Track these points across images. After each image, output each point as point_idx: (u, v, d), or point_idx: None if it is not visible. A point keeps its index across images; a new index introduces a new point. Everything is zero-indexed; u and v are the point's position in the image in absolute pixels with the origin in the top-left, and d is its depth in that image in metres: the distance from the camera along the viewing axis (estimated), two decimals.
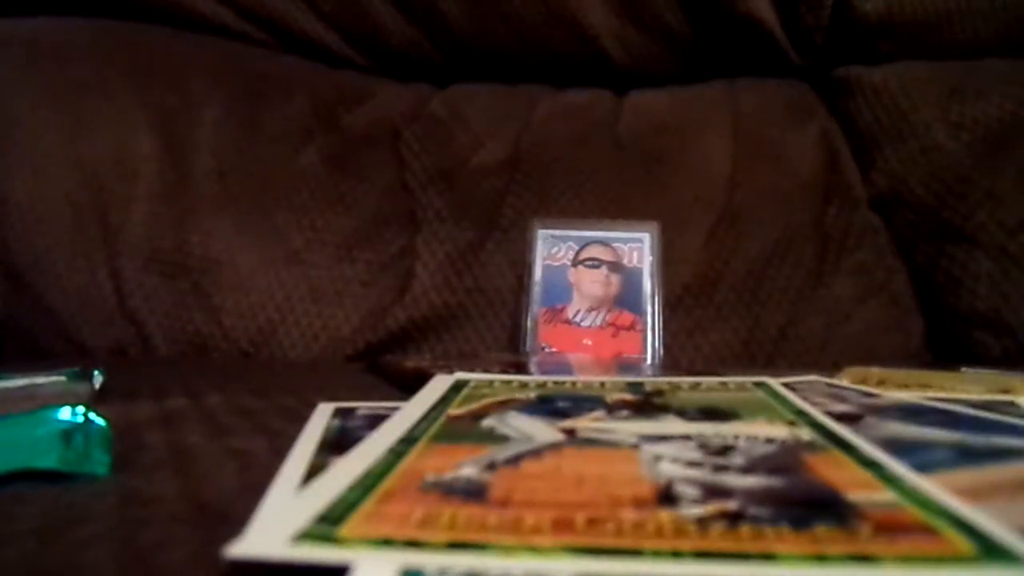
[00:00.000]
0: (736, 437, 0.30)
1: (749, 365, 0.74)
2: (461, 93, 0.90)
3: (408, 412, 0.36)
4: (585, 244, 0.72)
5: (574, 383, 0.44)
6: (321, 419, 0.37)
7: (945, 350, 0.76)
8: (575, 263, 0.71)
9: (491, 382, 0.43)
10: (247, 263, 0.76)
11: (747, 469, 0.26)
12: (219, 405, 0.45)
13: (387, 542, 0.20)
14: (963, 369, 0.58)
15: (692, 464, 0.27)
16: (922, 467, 0.26)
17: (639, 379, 0.46)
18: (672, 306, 0.74)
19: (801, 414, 0.34)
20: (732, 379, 0.44)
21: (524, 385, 0.43)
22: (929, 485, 0.23)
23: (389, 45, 0.90)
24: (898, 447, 0.28)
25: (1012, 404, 0.42)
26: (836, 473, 0.26)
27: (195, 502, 0.26)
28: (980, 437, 0.32)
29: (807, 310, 0.77)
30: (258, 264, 0.76)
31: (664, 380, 0.44)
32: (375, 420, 0.34)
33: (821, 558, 0.19)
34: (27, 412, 0.32)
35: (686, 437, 0.30)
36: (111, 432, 0.32)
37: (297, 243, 0.77)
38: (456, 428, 0.33)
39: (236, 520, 0.22)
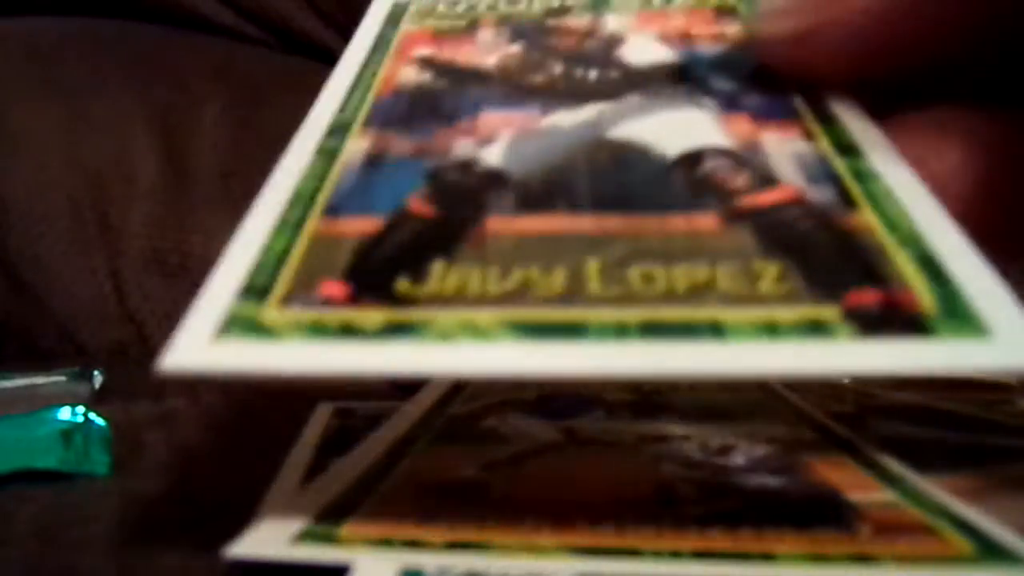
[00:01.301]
0: (736, 437, 0.30)
1: None
2: None
3: (408, 412, 0.36)
4: None
5: (573, 382, 0.44)
6: (321, 419, 0.37)
7: None
8: None
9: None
10: None
11: (747, 469, 0.26)
12: (219, 405, 0.45)
13: (387, 542, 0.20)
14: None
15: (692, 465, 0.27)
16: (922, 467, 0.26)
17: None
18: None
19: (801, 414, 0.34)
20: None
21: (523, 385, 0.43)
22: (929, 485, 0.23)
23: None
24: (898, 447, 0.28)
25: (1012, 404, 0.42)
26: (836, 473, 0.26)
27: (195, 502, 0.26)
28: (979, 437, 0.32)
29: None
30: None
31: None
32: (375, 420, 0.34)
33: (821, 558, 0.19)
34: (27, 412, 0.32)
35: (685, 437, 0.30)
36: (111, 432, 0.32)
37: None
38: (456, 428, 0.33)
39: (236, 520, 0.22)
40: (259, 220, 0.23)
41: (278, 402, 0.47)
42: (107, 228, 0.77)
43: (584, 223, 0.21)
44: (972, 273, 0.18)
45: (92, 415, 0.31)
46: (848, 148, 0.23)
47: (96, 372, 0.47)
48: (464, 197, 0.23)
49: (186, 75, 0.85)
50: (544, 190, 0.23)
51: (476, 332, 0.18)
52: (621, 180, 0.23)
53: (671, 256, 0.20)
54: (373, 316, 0.18)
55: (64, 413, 0.31)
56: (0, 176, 0.76)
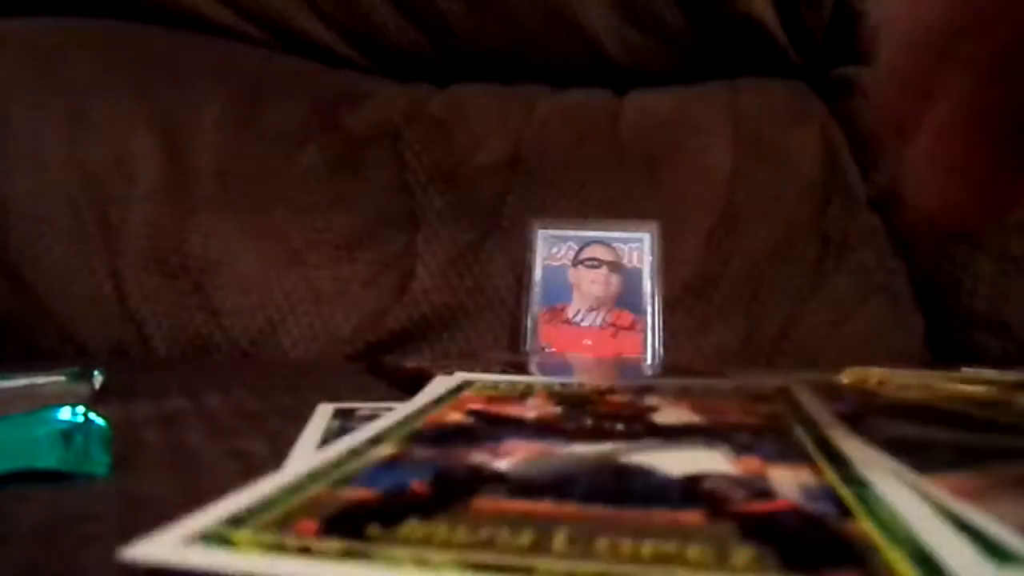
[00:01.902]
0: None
1: (749, 365, 0.74)
2: (461, 93, 0.90)
3: (395, 414, 0.35)
4: (585, 244, 0.72)
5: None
6: (321, 419, 0.37)
7: (945, 350, 0.76)
8: (575, 263, 0.71)
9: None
10: (247, 263, 0.76)
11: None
12: (219, 405, 0.45)
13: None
14: (963, 369, 0.58)
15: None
16: (922, 466, 0.26)
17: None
18: (672, 306, 0.74)
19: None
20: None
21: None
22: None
23: (389, 45, 0.90)
24: (898, 447, 0.28)
25: (1012, 404, 0.42)
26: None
27: (195, 502, 0.26)
28: (979, 437, 0.32)
29: (807, 310, 0.77)
30: (258, 264, 0.76)
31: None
32: (375, 421, 0.34)
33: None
34: (27, 412, 0.32)
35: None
36: (111, 432, 0.32)
37: (297, 243, 0.77)
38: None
39: None
40: (273, 482, 0.25)
41: (278, 402, 0.47)
42: (107, 228, 0.77)
43: (567, 510, 0.22)
44: (970, 567, 0.18)
45: (92, 415, 0.31)
46: (856, 480, 0.24)
47: (96, 372, 0.47)
48: (461, 484, 0.25)
49: (186, 75, 0.85)
50: (538, 485, 0.24)
51: (425, 565, 0.19)
52: (619, 485, 0.24)
53: (642, 535, 0.20)
54: (333, 546, 0.20)
55: (64, 413, 0.31)
56: (0, 176, 0.76)
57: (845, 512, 0.21)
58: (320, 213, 0.79)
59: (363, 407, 0.39)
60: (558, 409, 0.35)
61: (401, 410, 0.35)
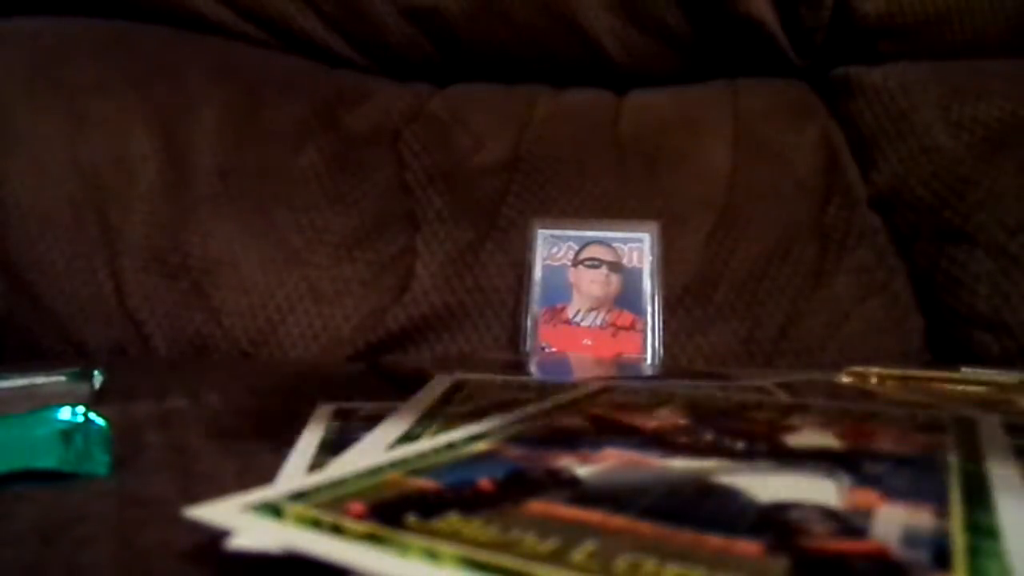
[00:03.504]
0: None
1: (749, 365, 0.74)
2: (461, 93, 0.90)
3: (407, 412, 0.36)
4: (585, 244, 0.72)
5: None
6: (321, 419, 0.37)
7: (945, 350, 0.76)
8: (575, 263, 0.71)
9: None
10: (247, 263, 0.76)
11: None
12: (219, 405, 0.45)
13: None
14: (963, 369, 0.58)
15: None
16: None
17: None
18: (672, 306, 0.74)
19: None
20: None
21: (525, 386, 0.42)
22: None
23: (389, 45, 0.90)
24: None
25: (1012, 404, 0.42)
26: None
27: (195, 502, 0.26)
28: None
29: (807, 310, 0.77)
30: (258, 264, 0.76)
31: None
32: (375, 421, 0.34)
33: None
34: (27, 412, 0.32)
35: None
36: (111, 432, 0.32)
37: (297, 243, 0.77)
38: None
39: None
40: (356, 463, 0.26)
41: (278, 402, 0.47)
42: (107, 228, 0.77)
43: (616, 522, 0.21)
44: None
45: (92, 415, 0.31)
46: (985, 529, 0.21)
47: (96, 372, 0.47)
48: (527, 485, 0.25)
49: (186, 75, 0.85)
50: (602, 494, 0.24)
51: (430, 556, 0.19)
52: (689, 503, 0.23)
53: (674, 558, 0.19)
54: (362, 528, 0.21)
55: (64, 413, 0.31)
56: (0, 177, 0.76)
57: (943, 562, 0.20)
58: (320, 213, 0.79)
59: (363, 407, 0.39)
60: (684, 421, 0.34)
61: (525, 410, 0.35)
